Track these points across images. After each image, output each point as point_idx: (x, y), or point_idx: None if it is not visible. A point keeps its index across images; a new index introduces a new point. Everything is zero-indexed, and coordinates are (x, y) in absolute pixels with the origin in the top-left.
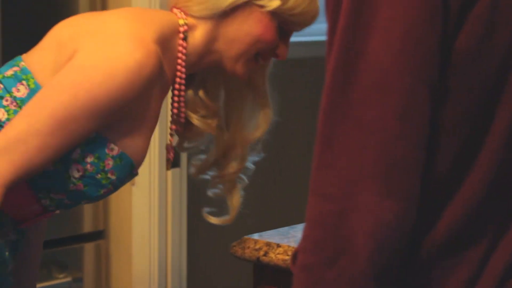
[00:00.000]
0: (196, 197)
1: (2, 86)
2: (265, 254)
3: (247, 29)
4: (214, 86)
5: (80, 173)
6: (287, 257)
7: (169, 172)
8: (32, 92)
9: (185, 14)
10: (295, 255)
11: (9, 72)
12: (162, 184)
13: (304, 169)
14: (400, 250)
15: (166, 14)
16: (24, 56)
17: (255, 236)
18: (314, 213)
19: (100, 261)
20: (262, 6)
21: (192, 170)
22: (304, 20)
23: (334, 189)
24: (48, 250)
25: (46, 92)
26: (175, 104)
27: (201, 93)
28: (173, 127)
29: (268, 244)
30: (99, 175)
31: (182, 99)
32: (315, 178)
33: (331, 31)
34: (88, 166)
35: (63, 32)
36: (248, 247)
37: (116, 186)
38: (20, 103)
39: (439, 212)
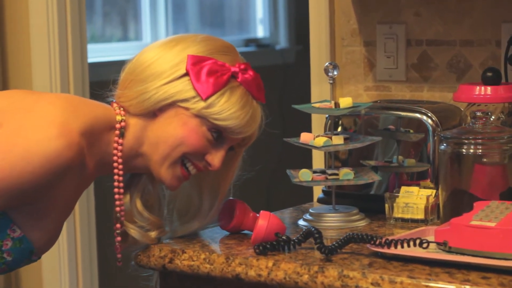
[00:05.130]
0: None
1: None
2: (170, 261)
3: (170, 130)
4: (154, 195)
5: None
6: (192, 263)
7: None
8: None
9: (125, 110)
10: None
11: None
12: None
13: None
14: None
15: (105, 108)
16: None
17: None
18: None
19: None
20: (186, 109)
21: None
22: (238, 126)
23: None
24: None
25: None
26: (117, 202)
27: (138, 202)
28: (118, 226)
29: (173, 251)
30: None
31: (121, 196)
32: None
33: None
34: None
35: None
36: (153, 255)
37: (11, 267)
38: None
39: None
